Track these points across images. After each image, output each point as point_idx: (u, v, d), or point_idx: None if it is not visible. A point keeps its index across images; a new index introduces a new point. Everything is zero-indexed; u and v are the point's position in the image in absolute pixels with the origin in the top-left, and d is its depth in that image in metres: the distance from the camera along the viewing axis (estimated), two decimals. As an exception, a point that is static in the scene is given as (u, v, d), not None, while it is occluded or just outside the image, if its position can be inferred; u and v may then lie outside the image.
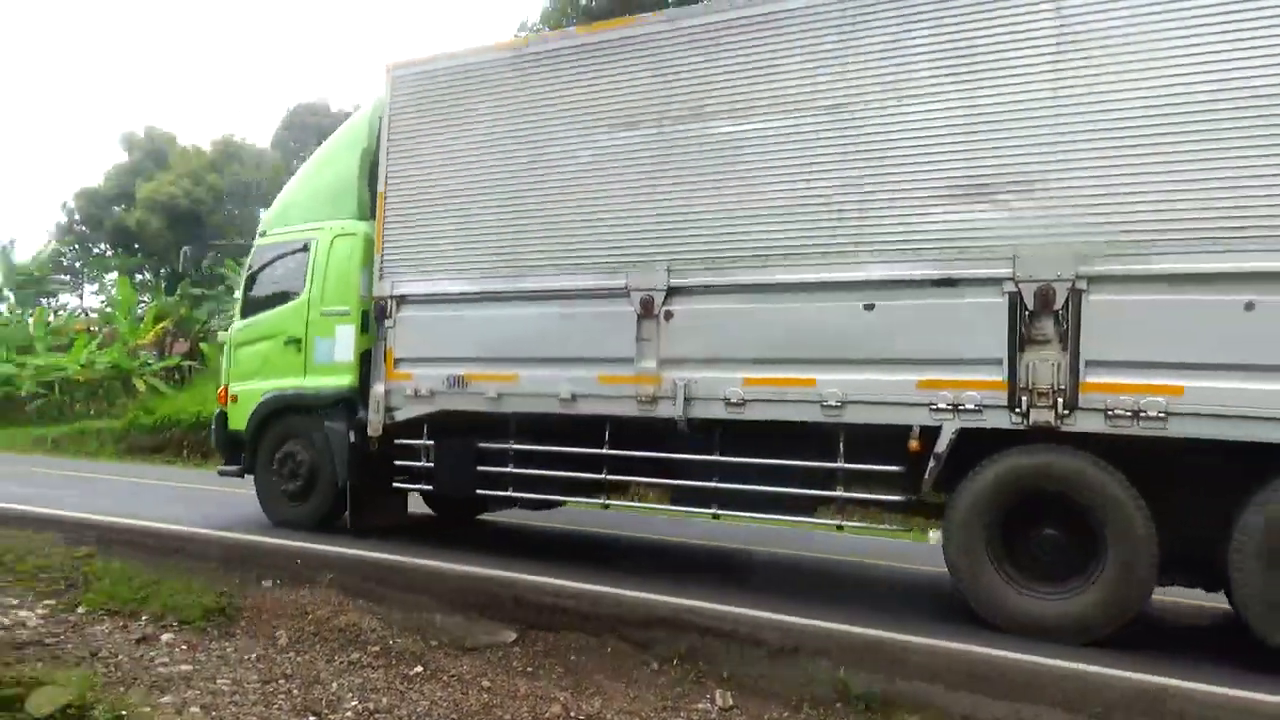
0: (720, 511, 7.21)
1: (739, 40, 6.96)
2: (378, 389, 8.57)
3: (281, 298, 9.47)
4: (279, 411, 9.34)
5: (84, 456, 19.16)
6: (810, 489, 6.73)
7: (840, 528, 7.05)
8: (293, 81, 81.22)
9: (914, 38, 6.35)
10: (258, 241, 9.89)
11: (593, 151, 7.49)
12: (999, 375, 6.02)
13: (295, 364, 9.26)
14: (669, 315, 7.12)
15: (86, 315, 34.19)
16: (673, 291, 7.11)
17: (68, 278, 41.07)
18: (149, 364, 25.20)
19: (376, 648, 5.86)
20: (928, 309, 6.21)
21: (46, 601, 6.64)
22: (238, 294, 10.51)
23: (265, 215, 10.29)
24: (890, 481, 6.47)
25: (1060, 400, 5.86)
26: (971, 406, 6.09)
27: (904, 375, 6.24)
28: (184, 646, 5.81)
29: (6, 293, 31.66)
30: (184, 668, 5.44)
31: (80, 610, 6.49)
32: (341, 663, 5.68)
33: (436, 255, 8.28)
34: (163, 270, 38.05)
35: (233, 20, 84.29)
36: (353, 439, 8.75)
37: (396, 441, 8.55)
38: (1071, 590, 5.89)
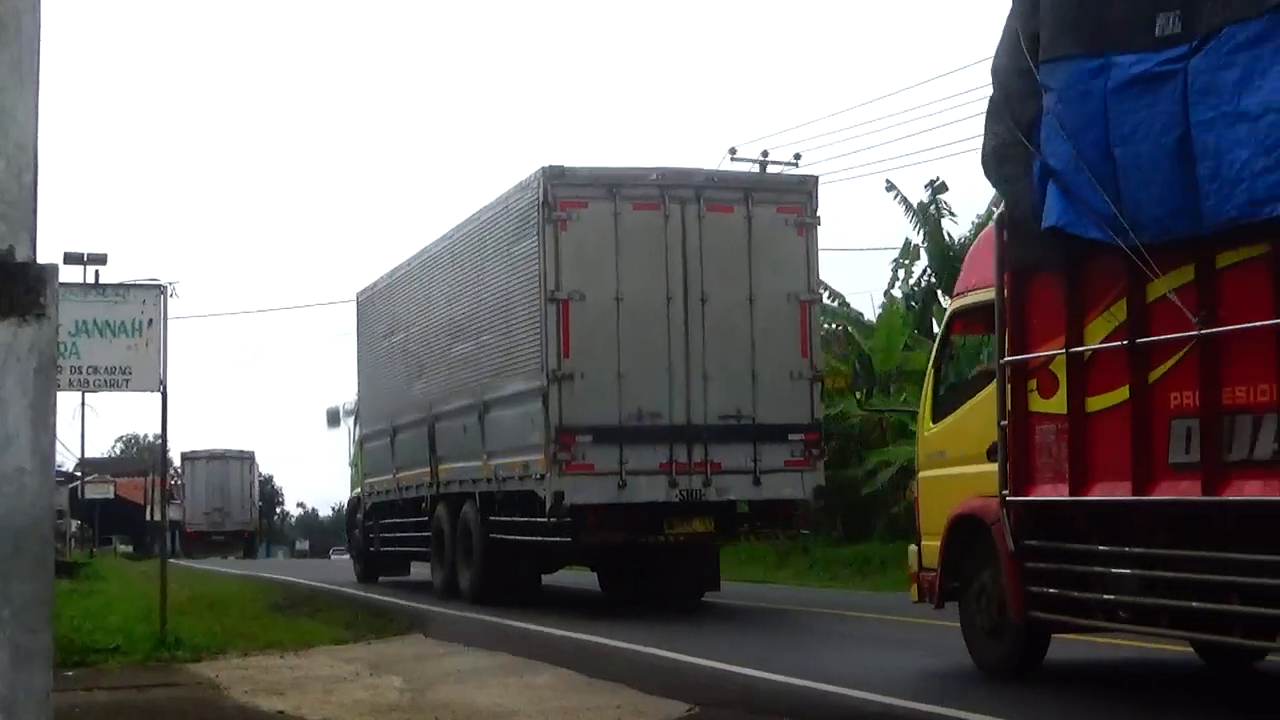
0: None
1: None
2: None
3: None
4: (354, 504, 18.22)
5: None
6: None
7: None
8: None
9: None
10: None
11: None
12: (427, 466, 12.48)
13: (355, 479, 18.07)
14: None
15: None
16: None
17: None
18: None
19: None
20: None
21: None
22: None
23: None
24: None
25: (437, 478, 12.17)
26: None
27: None
28: None
29: None
30: None
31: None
32: None
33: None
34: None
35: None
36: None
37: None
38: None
